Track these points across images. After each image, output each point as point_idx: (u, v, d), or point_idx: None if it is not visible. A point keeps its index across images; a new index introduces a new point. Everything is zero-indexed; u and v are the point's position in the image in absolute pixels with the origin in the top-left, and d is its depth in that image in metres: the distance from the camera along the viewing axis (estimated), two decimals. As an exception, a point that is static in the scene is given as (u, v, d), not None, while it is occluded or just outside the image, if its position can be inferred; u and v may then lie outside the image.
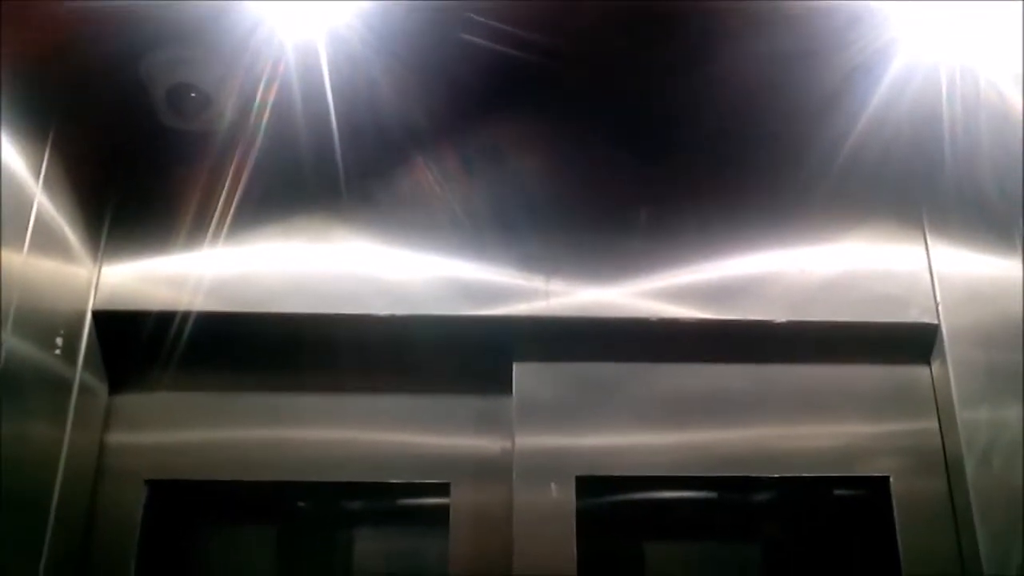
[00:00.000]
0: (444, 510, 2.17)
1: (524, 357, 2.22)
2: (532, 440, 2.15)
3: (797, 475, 2.19)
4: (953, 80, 2.01)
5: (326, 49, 1.95)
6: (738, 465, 2.18)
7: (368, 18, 1.88)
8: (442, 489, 2.18)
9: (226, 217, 2.16)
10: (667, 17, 1.96)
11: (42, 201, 1.87)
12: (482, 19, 1.92)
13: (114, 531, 2.09)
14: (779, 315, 2.19)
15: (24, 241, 1.81)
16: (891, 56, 2.00)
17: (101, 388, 2.16)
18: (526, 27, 1.95)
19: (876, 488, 2.17)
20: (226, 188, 2.16)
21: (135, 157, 2.22)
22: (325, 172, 2.20)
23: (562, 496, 2.10)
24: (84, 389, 2.06)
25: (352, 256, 2.19)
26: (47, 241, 1.90)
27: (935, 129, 2.11)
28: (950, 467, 2.15)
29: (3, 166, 1.74)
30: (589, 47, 2.06)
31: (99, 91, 2.05)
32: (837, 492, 2.32)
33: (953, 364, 2.16)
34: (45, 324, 1.91)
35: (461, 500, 2.17)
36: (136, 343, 2.16)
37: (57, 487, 1.94)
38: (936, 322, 2.20)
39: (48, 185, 1.89)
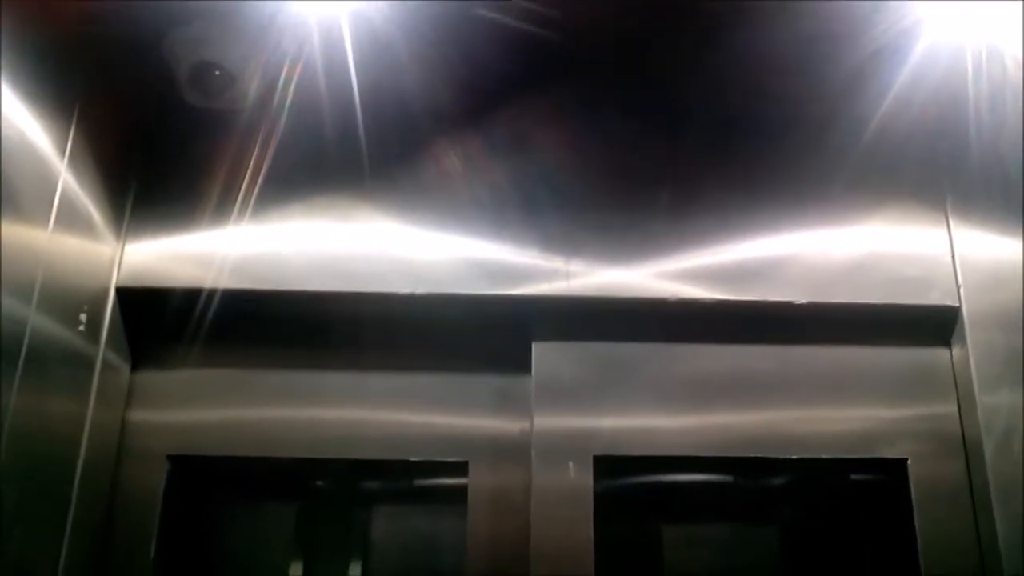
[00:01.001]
0: (462, 489, 2.18)
1: (544, 337, 2.22)
2: (551, 420, 2.16)
3: (815, 457, 2.18)
4: (979, 61, 2.00)
5: (350, 27, 1.95)
6: (757, 446, 2.19)
7: (392, -5, 1.89)
8: (460, 468, 2.20)
9: (250, 196, 2.17)
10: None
11: (67, 178, 1.88)
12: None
13: (136, 506, 2.11)
14: (799, 296, 2.19)
15: (49, 218, 1.82)
16: (916, 37, 1.99)
17: (124, 365, 2.17)
18: (547, 4, 1.94)
19: (894, 470, 2.17)
20: (250, 167, 2.17)
21: (159, 135, 2.23)
22: (349, 151, 2.21)
23: (580, 476, 2.11)
24: (107, 366, 2.07)
25: (375, 235, 2.20)
26: (72, 218, 1.91)
27: (960, 110, 2.10)
28: (969, 450, 2.15)
29: (29, 143, 1.75)
30: (610, 28, 2.05)
31: (123, 69, 2.06)
32: (855, 474, 2.32)
33: (973, 347, 2.16)
34: (69, 301, 1.93)
35: (479, 479, 2.18)
36: (159, 320, 2.18)
37: (80, 463, 1.96)
38: (957, 304, 2.20)
39: (73, 162, 1.90)
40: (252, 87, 2.09)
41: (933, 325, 2.23)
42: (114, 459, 2.12)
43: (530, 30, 1.97)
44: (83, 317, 1.97)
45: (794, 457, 2.19)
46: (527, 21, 1.95)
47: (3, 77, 1.65)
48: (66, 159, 1.87)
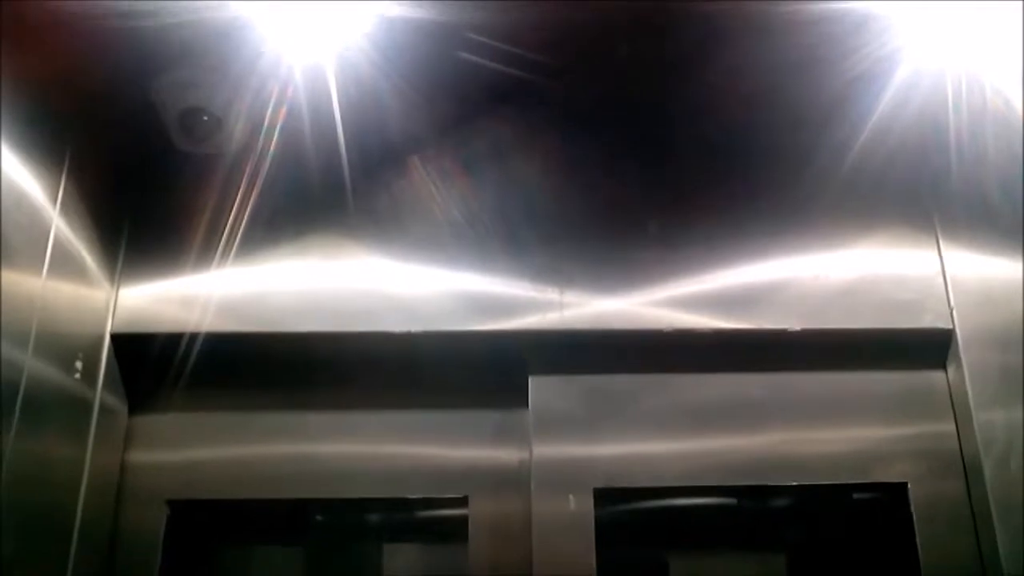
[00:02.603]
0: (463, 523, 2.17)
1: (539, 370, 2.22)
2: (549, 452, 2.15)
3: (815, 483, 2.18)
4: (959, 87, 2.01)
5: (334, 70, 1.96)
6: (756, 474, 2.18)
7: (376, 40, 1.90)
8: (460, 503, 2.19)
9: (239, 237, 2.19)
10: (668, 25, 1.96)
11: (59, 225, 1.89)
12: (486, 39, 1.93)
13: (136, 551, 2.11)
14: (793, 323, 2.19)
15: (43, 266, 1.83)
16: (897, 63, 2.00)
17: (121, 409, 2.18)
18: (528, 45, 1.96)
19: (895, 494, 2.16)
20: (237, 208, 2.19)
21: (149, 180, 2.24)
22: (335, 191, 2.22)
23: (580, 508, 2.11)
24: (104, 410, 2.08)
25: (365, 274, 2.20)
26: (65, 265, 1.93)
27: (942, 135, 2.11)
28: (968, 471, 2.15)
29: (21, 191, 1.76)
30: (593, 59, 2.06)
31: (113, 116, 2.07)
32: (856, 499, 2.31)
33: (968, 368, 2.15)
34: (65, 347, 1.93)
35: (480, 513, 2.18)
36: (154, 364, 2.18)
37: (80, 508, 1.96)
38: (951, 327, 2.20)
39: (65, 209, 1.91)
40: (239, 131, 2.10)
41: (927, 348, 2.23)
42: (113, 504, 2.12)
43: (512, 70, 1.99)
44: (79, 363, 1.97)
45: (794, 484, 2.19)
46: (509, 61, 1.97)
47: (-6, 126, 1.68)
48: (58, 206, 1.89)
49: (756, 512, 2.35)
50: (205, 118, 2.08)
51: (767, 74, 2.08)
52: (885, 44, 1.95)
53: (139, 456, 2.19)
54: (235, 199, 2.19)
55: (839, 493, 2.26)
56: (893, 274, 2.24)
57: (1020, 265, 2.04)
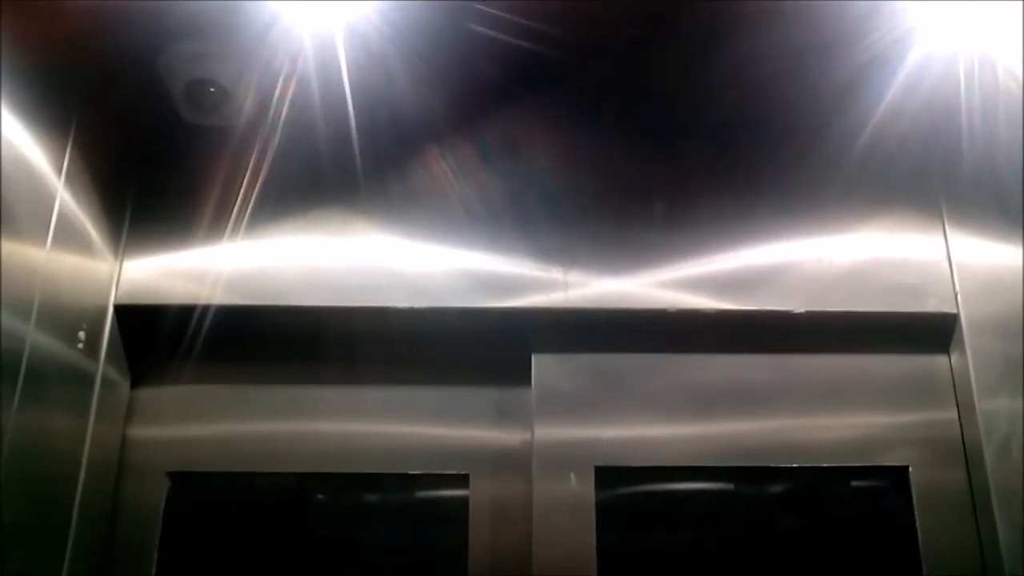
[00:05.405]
0: (463, 501, 2.18)
1: (543, 348, 2.22)
2: (551, 431, 2.16)
3: (817, 465, 2.19)
4: (971, 69, 2.00)
5: (344, 43, 1.95)
6: (757, 455, 2.19)
7: (386, 12, 1.89)
8: (461, 480, 2.20)
9: (245, 211, 2.18)
10: (682, 6, 1.96)
11: (64, 196, 1.88)
12: (498, 12, 1.92)
13: (137, 523, 2.12)
14: (798, 305, 2.19)
15: (47, 236, 1.82)
16: (909, 46, 1.99)
17: (123, 382, 2.18)
18: (541, 19, 1.95)
19: (896, 478, 2.17)
20: (245, 182, 2.18)
21: (155, 152, 2.24)
22: (343, 166, 2.21)
23: (582, 487, 2.11)
24: (106, 383, 2.08)
25: (371, 249, 2.20)
26: (69, 236, 1.92)
27: (953, 119, 2.10)
28: (969, 457, 2.15)
29: (26, 161, 1.75)
30: (605, 40, 2.06)
31: (119, 87, 2.06)
32: (857, 482, 2.31)
33: (972, 354, 2.15)
34: (68, 318, 1.93)
35: (480, 491, 2.18)
36: (157, 337, 2.18)
37: (81, 480, 1.96)
38: (955, 312, 2.20)
39: (70, 180, 1.90)
40: (247, 103, 2.09)
41: (931, 332, 2.23)
42: (115, 476, 2.12)
43: (524, 44, 1.97)
44: (82, 334, 1.97)
45: (795, 466, 2.19)
46: (521, 36, 1.96)
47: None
48: (63, 177, 1.88)
49: (757, 494, 2.35)
50: (212, 90, 2.06)
51: (778, 57, 2.07)
52: (897, 26, 1.94)
53: (141, 428, 2.19)
54: (242, 172, 2.19)
55: (841, 476, 2.26)
56: (898, 258, 2.24)
57: (1027, 250, 2.05)
